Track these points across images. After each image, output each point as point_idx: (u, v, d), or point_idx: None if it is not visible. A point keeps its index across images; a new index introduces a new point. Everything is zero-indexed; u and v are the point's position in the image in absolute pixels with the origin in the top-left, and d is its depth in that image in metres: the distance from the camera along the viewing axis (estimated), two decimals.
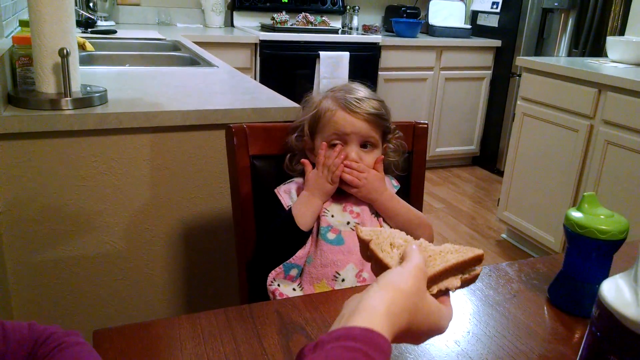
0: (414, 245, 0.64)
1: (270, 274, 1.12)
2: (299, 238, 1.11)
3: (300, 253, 1.12)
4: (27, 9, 1.31)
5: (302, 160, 1.17)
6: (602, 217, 0.82)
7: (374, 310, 0.53)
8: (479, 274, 0.67)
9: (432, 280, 0.62)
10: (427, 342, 0.72)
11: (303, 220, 1.10)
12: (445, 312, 0.61)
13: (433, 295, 0.62)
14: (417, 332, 0.58)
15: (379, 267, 0.65)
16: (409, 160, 1.34)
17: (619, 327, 0.46)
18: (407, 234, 0.69)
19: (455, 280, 0.64)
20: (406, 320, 0.55)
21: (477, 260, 0.66)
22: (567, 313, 0.87)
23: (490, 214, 3.39)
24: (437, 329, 0.60)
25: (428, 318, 0.58)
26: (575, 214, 0.83)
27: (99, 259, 1.45)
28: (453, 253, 0.65)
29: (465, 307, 0.88)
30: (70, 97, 1.34)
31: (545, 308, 0.89)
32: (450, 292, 0.65)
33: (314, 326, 0.80)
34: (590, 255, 0.83)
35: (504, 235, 3.09)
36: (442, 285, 0.63)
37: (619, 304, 0.47)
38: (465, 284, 0.66)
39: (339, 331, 0.51)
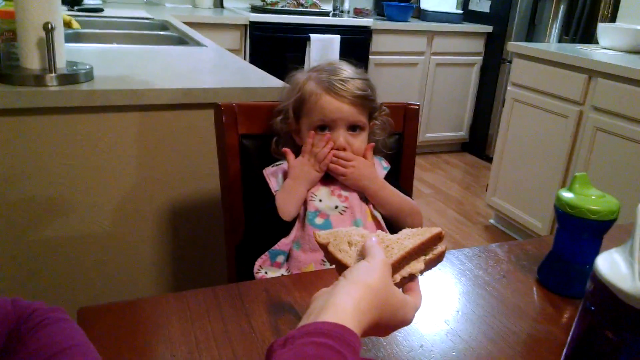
0: (373, 238, 0.64)
1: (256, 262, 1.10)
2: (282, 227, 1.10)
3: (286, 239, 1.10)
4: None
5: (284, 149, 1.15)
6: (593, 197, 0.82)
7: (343, 306, 0.53)
8: (444, 252, 0.67)
9: (394, 268, 0.62)
10: (418, 321, 0.72)
11: (286, 210, 1.08)
12: (411, 303, 0.62)
13: (397, 284, 0.62)
14: (385, 326, 0.59)
15: (340, 267, 0.65)
16: (400, 142, 1.33)
17: (614, 301, 0.46)
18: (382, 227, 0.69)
19: (417, 264, 0.65)
20: (374, 316, 0.55)
21: (437, 239, 0.67)
22: (556, 293, 0.87)
23: (479, 200, 3.40)
24: (403, 322, 0.61)
25: (395, 312, 0.59)
26: (566, 194, 0.83)
27: (86, 239, 1.43)
28: (410, 237, 0.66)
29: (454, 287, 0.88)
30: (55, 73, 1.31)
31: (534, 289, 0.89)
32: (419, 276, 0.65)
33: (303, 305, 0.80)
34: (580, 236, 0.83)
35: (492, 221, 3.11)
36: (405, 272, 0.64)
37: (614, 277, 0.47)
38: (431, 264, 0.67)
39: (309, 326, 0.51)
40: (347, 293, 0.55)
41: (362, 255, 0.63)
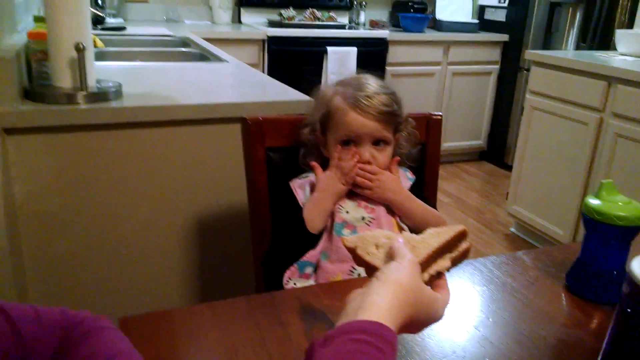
0: (399, 239, 0.66)
1: (285, 273, 1.13)
2: (310, 239, 1.12)
3: (314, 251, 1.12)
4: (43, 5, 1.33)
5: (312, 163, 1.17)
6: (620, 203, 0.83)
7: (378, 305, 0.55)
8: (469, 249, 0.69)
9: (421, 267, 0.64)
10: (449, 328, 0.74)
11: (313, 222, 1.11)
12: (441, 300, 0.64)
13: (426, 282, 0.64)
14: (418, 323, 0.61)
15: (369, 269, 0.67)
16: (423, 152, 1.34)
17: None
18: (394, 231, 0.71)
19: (444, 262, 0.67)
20: (408, 314, 0.57)
21: (461, 236, 0.69)
22: (585, 299, 0.87)
23: (499, 208, 3.39)
24: (434, 318, 0.62)
25: (427, 309, 0.61)
26: (594, 201, 0.84)
27: (115, 251, 1.47)
28: (435, 237, 0.68)
29: (483, 294, 0.89)
30: (86, 91, 1.36)
31: (562, 295, 0.90)
32: (446, 274, 0.67)
33: (335, 312, 0.81)
34: (608, 242, 0.84)
35: (512, 229, 3.10)
36: (432, 270, 0.66)
37: None
38: (456, 261, 0.68)
39: (347, 325, 0.53)
40: (381, 293, 0.57)
41: (389, 256, 0.64)
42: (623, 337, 0.53)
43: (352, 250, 0.69)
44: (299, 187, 1.18)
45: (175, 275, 1.56)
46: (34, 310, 0.63)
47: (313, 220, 1.11)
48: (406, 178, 1.22)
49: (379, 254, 0.67)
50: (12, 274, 1.34)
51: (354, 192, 1.16)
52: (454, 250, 0.68)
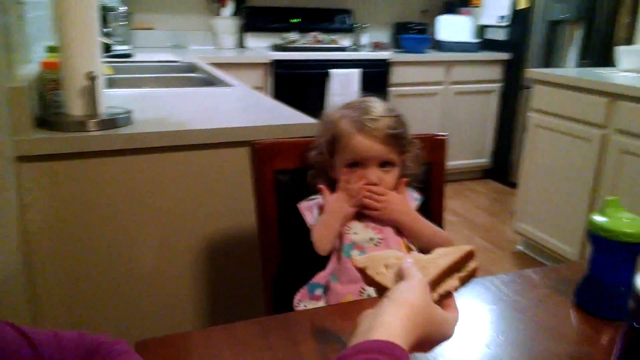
0: (408, 259, 0.68)
1: (295, 296, 1.14)
2: (319, 261, 1.14)
3: (323, 273, 1.14)
4: (56, 35, 1.37)
5: (319, 186, 1.19)
6: (625, 220, 0.84)
7: (390, 325, 0.57)
8: (476, 269, 0.71)
9: (431, 287, 0.65)
10: (460, 347, 0.75)
11: (322, 245, 1.13)
12: (451, 319, 0.65)
13: (435, 301, 0.65)
14: (429, 342, 0.62)
15: (380, 289, 0.69)
16: (428, 173, 1.36)
17: None
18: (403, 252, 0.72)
19: (452, 281, 0.69)
20: (420, 333, 0.59)
21: (469, 256, 0.70)
22: (594, 315, 0.88)
23: (505, 226, 3.39)
24: (445, 337, 0.64)
25: (438, 328, 0.62)
26: (599, 218, 0.85)
27: (127, 275, 1.48)
28: (443, 257, 0.69)
29: (494, 312, 0.90)
30: (97, 118, 1.39)
31: (571, 312, 0.91)
32: (454, 293, 0.69)
33: (347, 332, 0.82)
34: (615, 258, 0.85)
35: (519, 247, 3.09)
36: (441, 289, 0.67)
37: None
38: (465, 281, 0.70)
39: (361, 345, 0.55)
40: (393, 313, 0.59)
41: (399, 276, 0.66)
42: (631, 352, 0.54)
43: (362, 271, 0.71)
44: (307, 210, 1.19)
45: (186, 298, 1.57)
46: (54, 335, 0.65)
47: (321, 242, 1.13)
48: (413, 199, 1.23)
49: (388, 274, 0.69)
50: (27, 300, 1.36)
51: (362, 214, 1.17)
52: (462, 270, 0.70)
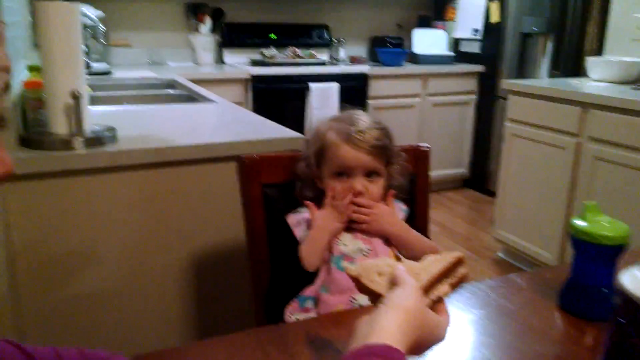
0: (400, 267, 0.71)
1: (286, 309, 1.15)
2: (307, 276, 1.15)
3: (313, 286, 1.15)
4: (40, 54, 1.37)
5: (306, 202, 1.21)
6: (605, 224, 0.88)
7: (386, 329, 0.60)
8: (466, 275, 0.74)
9: (423, 292, 0.68)
10: (452, 350, 0.77)
11: (310, 261, 1.14)
12: (443, 323, 0.68)
13: (428, 306, 0.68)
14: (423, 345, 0.65)
15: (373, 297, 0.71)
16: (412, 184, 1.39)
17: None
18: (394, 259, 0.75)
19: (443, 287, 0.72)
20: (415, 337, 0.62)
21: (459, 263, 0.74)
22: (578, 317, 0.91)
23: (485, 234, 3.45)
24: (438, 340, 0.67)
25: (432, 332, 0.65)
26: (580, 223, 0.89)
27: (114, 293, 1.48)
28: (434, 263, 0.73)
29: (482, 317, 0.93)
30: (82, 136, 1.39)
31: (557, 314, 0.94)
32: (445, 299, 0.72)
33: (342, 342, 0.84)
34: (596, 261, 0.88)
35: (500, 254, 3.15)
36: (433, 295, 0.70)
37: (639, 291, 0.53)
38: (455, 286, 0.73)
39: (359, 349, 0.57)
40: (389, 317, 0.61)
41: (393, 283, 0.68)
42: (618, 346, 0.57)
43: (355, 279, 0.73)
44: (296, 225, 1.20)
45: (175, 313, 1.57)
46: (54, 352, 0.65)
47: (309, 258, 1.14)
48: (400, 210, 1.26)
49: (382, 282, 0.71)
50: (11, 320, 1.34)
51: (350, 226, 1.19)
52: (452, 276, 0.73)
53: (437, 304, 0.70)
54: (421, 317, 0.64)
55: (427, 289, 0.69)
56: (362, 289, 0.72)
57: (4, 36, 0.47)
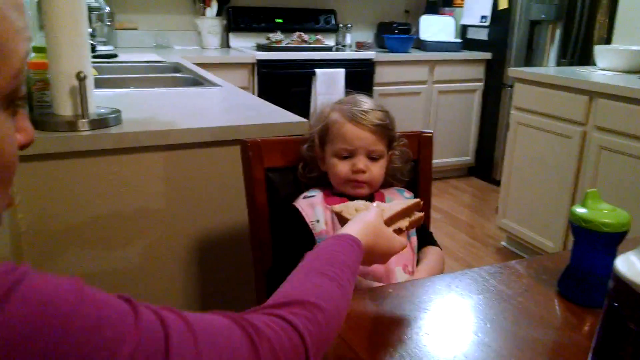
0: (374, 204, 0.98)
1: None
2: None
3: None
4: (44, 35, 1.37)
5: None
6: (605, 211, 0.88)
7: (349, 231, 0.80)
8: (422, 217, 0.98)
9: (387, 224, 0.89)
10: (449, 334, 0.78)
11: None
12: (398, 239, 0.89)
13: None
14: (380, 251, 0.85)
15: None
16: (415, 170, 1.39)
17: (635, 296, 0.52)
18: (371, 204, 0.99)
19: (403, 222, 0.94)
20: (372, 240, 0.82)
21: (417, 206, 0.97)
22: (577, 304, 0.92)
23: (489, 223, 3.45)
24: (393, 249, 0.87)
25: (386, 242, 0.86)
26: (580, 210, 0.89)
27: (118, 274, 1.49)
28: (398, 205, 0.96)
29: (481, 302, 0.93)
30: (87, 118, 1.40)
31: (555, 300, 0.94)
32: (405, 230, 0.94)
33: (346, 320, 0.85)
34: (596, 248, 0.88)
35: (503, 243, 3.15)
36: (395, 226, 0.92)
37: (633, 275, 0.53)
38: (413, 224, 0.97)
39: (327, 239, 0.78)
40: (350, 226, 0.83)
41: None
42: (611, 330, 0.58)
43: (338, 214, 0.95)
44: (308, 206, 1.21)
45: (178, 294, 1.59)
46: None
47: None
48: (403, 198, 1.27)
49: (356, 214, 0.91)
50: None
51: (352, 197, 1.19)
52: (412, 215, 0.97)
53: (398, 233, 0.91)
54: (378, 228, 0.85)
55: (391, 221, 0.91)
56: (342, 220, 0.93)
57: (23, 5, 0.47)
